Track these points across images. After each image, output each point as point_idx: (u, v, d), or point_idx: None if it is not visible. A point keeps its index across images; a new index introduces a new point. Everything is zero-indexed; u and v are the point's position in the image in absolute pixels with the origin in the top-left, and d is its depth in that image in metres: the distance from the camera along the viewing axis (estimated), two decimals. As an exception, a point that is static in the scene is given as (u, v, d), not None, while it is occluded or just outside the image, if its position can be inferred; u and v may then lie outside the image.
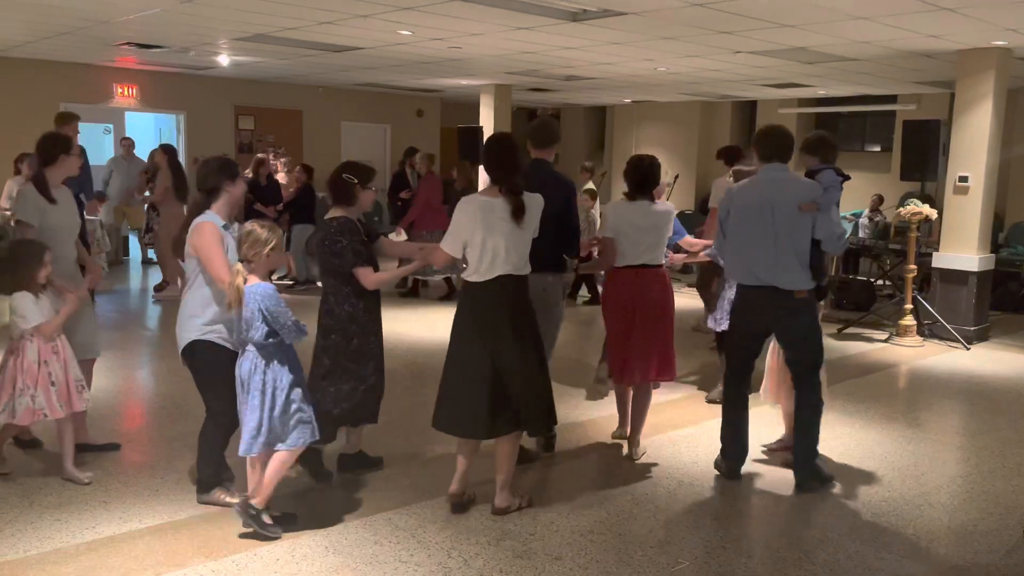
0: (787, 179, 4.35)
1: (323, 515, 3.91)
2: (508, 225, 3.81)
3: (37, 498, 4.02)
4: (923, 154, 8.41)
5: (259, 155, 12.05)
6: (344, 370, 4.11)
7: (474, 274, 3.86)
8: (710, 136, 15.28)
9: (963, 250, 8.38)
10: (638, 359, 4.65)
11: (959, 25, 7.06)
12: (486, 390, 3.82)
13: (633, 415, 4.84)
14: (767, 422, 5.59)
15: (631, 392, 4.87)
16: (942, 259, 8.54)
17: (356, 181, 4.11)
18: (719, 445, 4.64)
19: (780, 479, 4.59)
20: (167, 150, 9.39)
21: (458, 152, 12.97)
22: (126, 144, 11.67)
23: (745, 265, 4.40)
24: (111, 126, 13.15)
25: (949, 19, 6.83)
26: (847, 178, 4.54)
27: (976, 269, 8.37)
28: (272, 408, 3.60)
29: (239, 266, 3.62)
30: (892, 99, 12.95)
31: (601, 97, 15.15)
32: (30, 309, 4.09)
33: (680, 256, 5.63)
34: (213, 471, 3.99)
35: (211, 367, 3.86)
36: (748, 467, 4.71)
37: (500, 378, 3.83)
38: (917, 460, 5.00)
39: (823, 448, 4.68)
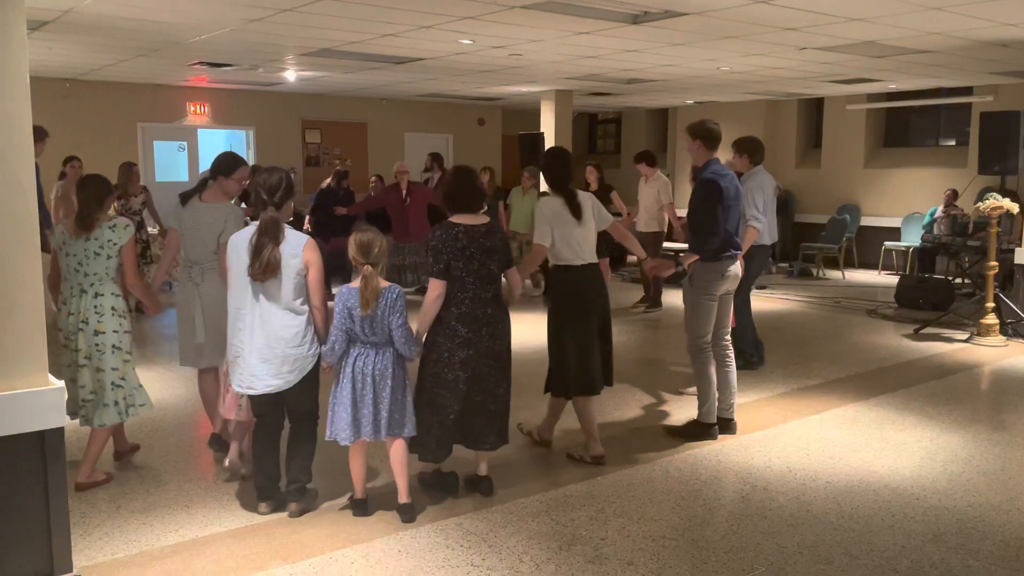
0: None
1: (395, 519, 3.97)
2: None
3: (124, 503, 4.18)
4: (1002, 147, 8.13)
5: (340, 167, 12.42)
6: None
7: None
8: (776, 135, 14.98)
9: (1048, 245, 8.05)
10: None
11: (1037, 11, 6.80)
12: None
13: None
14: (836, 424, 5.45)
15: None
16: (1026, 255, 8.22)
17: None
18: (791, 449, 4.55)
19: (859, 483, 4.47)
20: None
21: (520, 159, 13.01)
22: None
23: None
24: (185, 143, 13.59)
25: (1027, 6, 6.58)
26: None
27: (1062, 265, 8.05)
28: None
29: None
30: (967, 91, 12.50)
31: (663, 99, 15.01)
32: None
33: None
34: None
35: None
36: (823, 471, 4.61)
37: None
38: (1004, 464, 4.80)
39: (904, 449, 4.63)
